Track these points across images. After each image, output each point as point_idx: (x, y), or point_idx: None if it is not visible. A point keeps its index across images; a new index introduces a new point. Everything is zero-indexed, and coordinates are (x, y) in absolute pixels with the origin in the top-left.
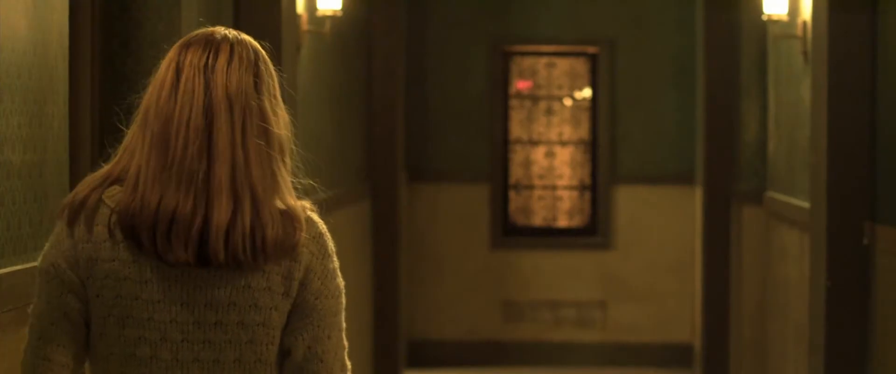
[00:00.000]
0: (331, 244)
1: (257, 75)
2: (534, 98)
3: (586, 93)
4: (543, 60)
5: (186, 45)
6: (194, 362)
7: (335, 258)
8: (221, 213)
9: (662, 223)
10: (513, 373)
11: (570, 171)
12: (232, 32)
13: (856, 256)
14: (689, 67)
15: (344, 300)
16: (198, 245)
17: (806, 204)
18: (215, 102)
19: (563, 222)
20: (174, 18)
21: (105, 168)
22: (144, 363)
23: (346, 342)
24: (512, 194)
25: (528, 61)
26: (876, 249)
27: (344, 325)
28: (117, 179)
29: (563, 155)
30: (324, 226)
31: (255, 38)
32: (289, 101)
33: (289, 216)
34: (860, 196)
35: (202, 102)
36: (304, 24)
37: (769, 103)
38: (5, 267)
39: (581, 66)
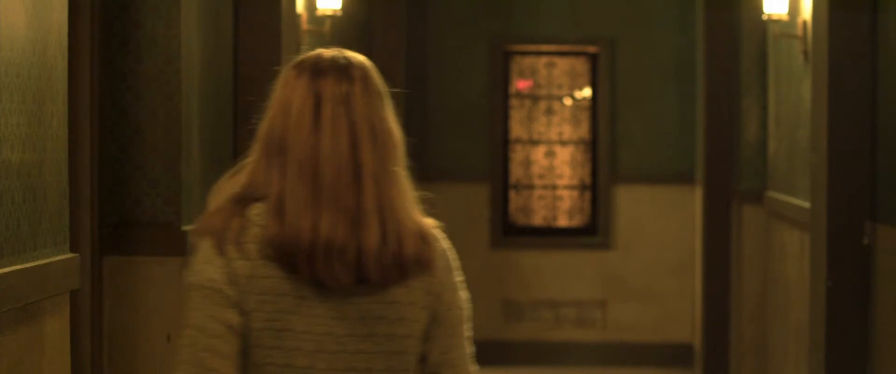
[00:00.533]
0: (455, 260)
1: (384, 98)
2: (534, 98)
3: (586, 92)
4: (543, 60)
5: (317, 72)
6: (347, 371)
7: (459, 273)
8: (372, 237)
9: (662, 223)
10: (513, 373)
11: (570, 170)
12: (352, 55)
13: (856, 256)
14: (689, 67)
15: (468, 312)
16: (354, 268)
17: (806, 204)
18: (358, 131)
19: (563, 222)
20: (174, 18)
21: (232, 191)
22: (301, 373)
23: (470, 350)
24: (512, 194)
25: (528, 61)
26: (876, 249)
27: (469, 334)
28: (253, 200)
29: (563, 155)
30: (447, 242)
31: (256, 39)
32: None
33: (422, 234)
34: (860, 196)
35: (346, 131)
36: (304, 24)
37: (769, 103)
38: (4, 267)
39: (581, 65)
